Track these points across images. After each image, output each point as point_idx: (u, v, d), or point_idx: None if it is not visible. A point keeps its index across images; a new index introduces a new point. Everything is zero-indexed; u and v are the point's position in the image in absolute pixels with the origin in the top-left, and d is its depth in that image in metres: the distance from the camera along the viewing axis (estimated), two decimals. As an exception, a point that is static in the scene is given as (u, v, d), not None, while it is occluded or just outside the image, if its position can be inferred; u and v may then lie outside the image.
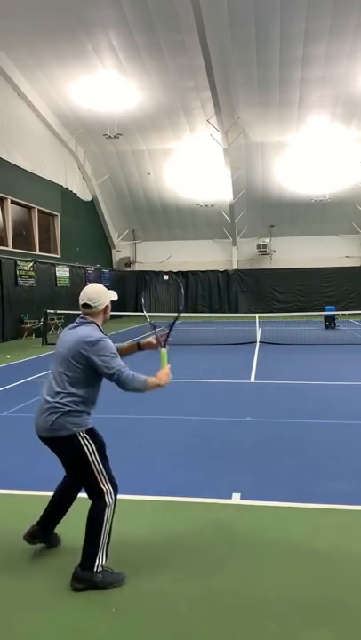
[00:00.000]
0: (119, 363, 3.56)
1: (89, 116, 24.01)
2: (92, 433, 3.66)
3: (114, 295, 3.86)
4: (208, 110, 23.46)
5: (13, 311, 20.13)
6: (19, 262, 20.79)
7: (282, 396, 9.34)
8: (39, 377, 11.05)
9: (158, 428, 7.27)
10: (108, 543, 3.57)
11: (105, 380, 3.68)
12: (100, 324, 3.75)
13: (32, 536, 3.93)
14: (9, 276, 20.02)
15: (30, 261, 21.70)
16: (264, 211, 30.55)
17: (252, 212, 30.45)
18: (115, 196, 30.84)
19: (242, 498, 4.78)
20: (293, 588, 3.41)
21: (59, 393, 3.60)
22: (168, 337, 3.96)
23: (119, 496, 4.83)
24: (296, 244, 31.72)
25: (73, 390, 3.58)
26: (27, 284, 21.27)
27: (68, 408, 3.57)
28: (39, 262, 22.41)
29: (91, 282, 27.92)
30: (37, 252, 23.39)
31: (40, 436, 3.67)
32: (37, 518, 3.99)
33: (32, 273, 21.72)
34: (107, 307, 3.79)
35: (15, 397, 9.18)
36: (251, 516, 4.48)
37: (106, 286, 3.99)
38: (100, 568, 3.50)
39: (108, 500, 3.59)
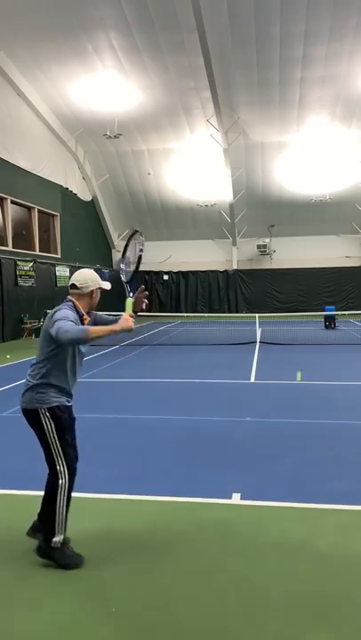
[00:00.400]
0: (63, 324, 3.55)
1: (89, 116, 24.01)
2: (53, 412, 3.75)
3: (106, 285, 3.95)
4: (208, 110, 23.46)
5: (13, 311, 20.13)
6: (19, 262, 20.80)
7: (282, 396, 9.34)
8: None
9: (158, 427, 7.26)
10: (65, 522, 3.71)
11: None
12: (79, 305, 3.84)
13: (34, 530, 3.98)
14: (9, 275, 20.03)
15: (30, 261, 21.70)
16: (264, 211, 30.55)
17: (252, 212, 30.45)
18: (115, 196, 30.84)
19: (242, 498, 4.77)
20: (294, 587, 3.41)
21: (31, 366, 3.85)
22: (130, 290, 3.98)
23: (119, 495, 4.86)
24: (296, 243, 31.72)
25: (40, 364, 3.77)
26: (27, 284, 21.28)
27: (33, 383, 3.78)
28: (39, 262, 22.42)
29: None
30: (37, 252, 23.39)
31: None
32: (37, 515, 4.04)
33: (32, 273, 21.73)
34: (93, 292, 3.89)
35: (15, 397, 9.14)
36: (251, 516, 4.48)
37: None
38: (58, 544, 3.67)
39: (61, 480, 3.70)
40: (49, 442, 3.74)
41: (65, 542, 3.70)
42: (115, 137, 23.73)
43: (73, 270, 25.42)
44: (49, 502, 3.73)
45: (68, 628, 3.07)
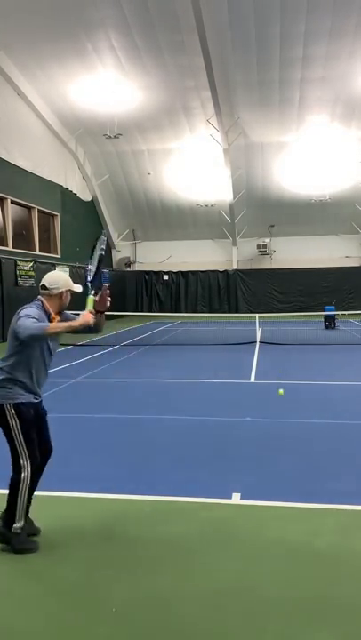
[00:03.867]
0: (23, 321, 3.74)
1: (89, 116, 24.01)
2: (18, 408, 3.85)
3: (77, 288, 4.06)
4: (208, 110, 23.45)
5: (13, 311, 19.82)
6: (19, 262, 20.78)
7: (282, 396, 9.33)
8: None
9: (158, 427, 7.26)
10: (25, 510, 3.88)
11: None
12: (48, 305, 3.96)
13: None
14: (9, 276, 20.01)
15: (30, 261, 21.69)
16: (264, 211, 30.53)
17: (252, 212, 30.44)
18: (115, 196, 30.84)
19: (242, 498, 4.77)
20: (293, 587, 3.41)
21: None
22: (93, 286, 4.07)
23: (119, 495, 4.86)
24: (296, 243, 31.70)
25: (6, 360, 3.89)
26: (27, 284, 21.25)
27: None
28: (39, 262, 22.41)
29: (91, 282, 27.96)
30: (37, 252, 23.39)
31: None
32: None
33: (32, 273, 21.71)
34: (62, 294, 3.98)
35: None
36: (251, 516, 4.47)
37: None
38: (18, 530, 3.86)
39: (23, 473, 3.85)
40: (13, 437, 3.85)
41: (23, 528, 3.86)
42: (115, 137, 23.72)
43: (73, 270, 25.46)
44: (11, 491, 3.87)
45: (67, 627, 3.07)
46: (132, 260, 33.49)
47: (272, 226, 31.57)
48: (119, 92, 22.08)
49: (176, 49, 19.69)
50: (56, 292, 3.96)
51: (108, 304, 4.06)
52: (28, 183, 22.43)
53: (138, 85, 21.96)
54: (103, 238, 4.28)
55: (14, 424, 3.83)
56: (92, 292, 3.98)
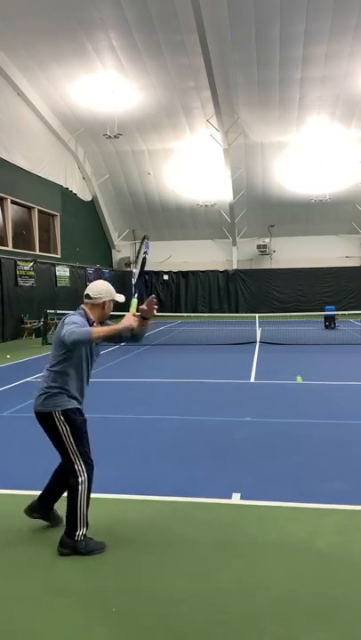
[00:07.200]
0: (68, 327, 3.75)
1: (89, 116, 24.02)
2: (66, 414, 3.87)
3: (119, 298, 4.09)
4: (208, 110, 23.46)
5: (13, 311, 20.13)
6: (19, 262, 20.79)
7: (282, 396, 9.34)
8: (39, 377, 11.04)
9: (158, 427, 7.26)
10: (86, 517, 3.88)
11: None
12: (90, 314, 4.00)
13: (31, 510, 4.19)
14: (9, 275, 20.02)
15: (30, 261, 21.70)
16: (264, 211, 30.55)
17: (252, 212, 30.45)
18: (115, 196, 30.84)
19: (242, 498, 4.77)
20: (293, 587, 3.41)
21: (45, 370, 4.00)
22: (135, 291, 4.18)
23: (119, 495, 4.86)
24: (296, 244, 31.72)
25: (52, 368, 3.92)
26: (27, 284, 21.27)
27: (45, 386, 3.93)
28: (39, 262, 22.42)
29: (91, 282, 28.02)
30: (37, 252, 23.39)
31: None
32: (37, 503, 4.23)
33: (32, 273, 21.72)
34: (105, 303, 4.03)
35: (15, 397, 9.19)
36: (251, 516, 4.47)
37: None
38: (81, 537, 3.83)
39: (80, 478, 3.86)
40: (65, 444, 3.87)
41: (85, 535, 3.86)
42: (115, 137, 23.72)
43: (73, 270, 25.51)
44: (71, 499, 3.86)
45: (68, 628, 3.07)
46: (131, 260, 33.48)
47: (272, 226, 31.58)
48: (119, 92, 22.08)
49: (176, 49, 19.69)
50: (99, 301, 4.01)
51: (155, 312, 4.11)
52: (28, 183, 22.43)
53: (138, 85, 21.96)
54: (147, 242, 4.39)
55: (64, 430, 3.85)
56: (136, 295, 4.07)
